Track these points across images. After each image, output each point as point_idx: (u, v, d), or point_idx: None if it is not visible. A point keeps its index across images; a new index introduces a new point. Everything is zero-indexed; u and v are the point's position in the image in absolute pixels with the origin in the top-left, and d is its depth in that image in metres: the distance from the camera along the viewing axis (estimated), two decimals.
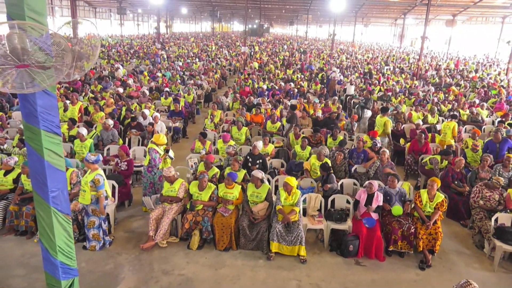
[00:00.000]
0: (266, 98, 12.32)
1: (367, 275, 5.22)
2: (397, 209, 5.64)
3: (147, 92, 12.50)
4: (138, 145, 8.65)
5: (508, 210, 5.87)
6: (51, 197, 3.45)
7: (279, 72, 20.25)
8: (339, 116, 10.52)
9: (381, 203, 5.73)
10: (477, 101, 12.74)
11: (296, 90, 14.98)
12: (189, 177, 7.01)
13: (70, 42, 3.19)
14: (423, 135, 8.44)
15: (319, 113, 10.30)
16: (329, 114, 10.24)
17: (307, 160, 7.38)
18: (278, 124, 9.42)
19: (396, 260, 5.55)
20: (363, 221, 5.62)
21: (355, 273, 5.24)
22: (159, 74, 17.14)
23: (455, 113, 10.59)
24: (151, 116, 9.28)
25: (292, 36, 67.82)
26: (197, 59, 24.75)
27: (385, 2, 32.84)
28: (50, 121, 3.30)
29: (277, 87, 14.92)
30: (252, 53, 30.41)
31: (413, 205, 5.81)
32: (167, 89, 13.13)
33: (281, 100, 12.44)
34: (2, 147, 7.20)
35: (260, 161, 7.05)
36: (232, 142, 7.70)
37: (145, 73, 17.44)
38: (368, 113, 11.18)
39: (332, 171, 6.72)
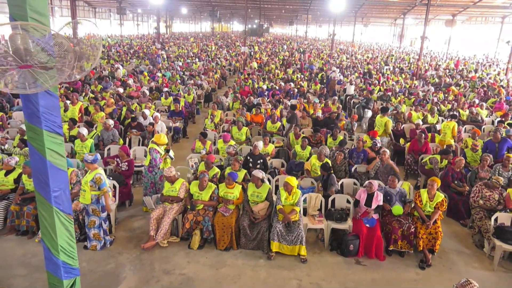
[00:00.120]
0: (266, 98, 12.34)
1: (367, 274, 5.24)
2: (397, 209, 5.66)
3: (147, 92, 12.51)
4: (139, 145, 8.66)
5: (508, 210, 5.88)
6: (53, 197, 3.47)
7: (279, 72, 20.27)
8: (339, 116, 10.54)
9: (381, 203, 5.75)
10: (477, 101, 12.77)
11: (296, 90, 15.00)
12: (189, 177, 7.03)
13: (72, 42, 3.21)
14: (423, 135, 8.46)
15: (319, 113, 10.32)
16: (329, 114, 10.26)
17: (307, 160, 7.40)
18: (278, 124, 9.44)
19: (396, 260, 5.57)
20: (363, 220, 5.64)
21: (356, 273, 5.26)
22: (159, 74, 17.15)
23: (455, 113, 10.62)
24: (152, 116, 9.30)
25: (291, 36, 67.80)
26: (197, 59, 24.77)
27: (385, 2, 32.85)
28: (52, 121, 3.32)
29: (277, 87, 14.94)
30: (252, 53, 30.42)
31: (413, 205, 5.83)
32: (166, 89, 13.13)
33: (281, 100, 12.46)
34: (3, 147, 7.22)
35: (261, 160, 7.08)
36: (232, 142, 7.72)
37: (145, 73, 17.46)
38: (369, 113, 11.20)
39: (332, 171, 6.74)
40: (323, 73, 20.48)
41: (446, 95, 14.80)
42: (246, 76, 18.02)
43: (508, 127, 9.19)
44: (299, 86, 15.83)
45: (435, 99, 12.80)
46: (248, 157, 7.14)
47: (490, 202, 6.14)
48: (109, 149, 8.00)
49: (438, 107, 12.05)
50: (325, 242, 5.85)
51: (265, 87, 14.49)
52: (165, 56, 25.53)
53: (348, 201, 6.17)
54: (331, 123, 9.75)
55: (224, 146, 7.64)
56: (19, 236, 5.77)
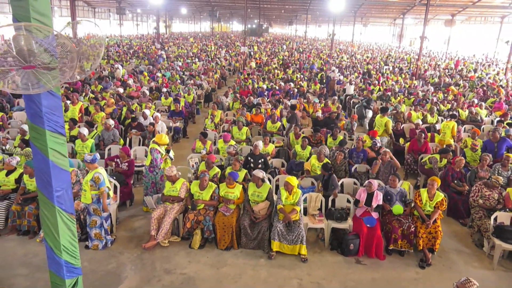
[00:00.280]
0: (266, 98, 12.36)
1: (367, 273, 5.26)
2: (397, 208, 5.69)
3: (147, 92, 12.53)
4: (139, 145, 8.68)
5: (507, 209, 5.91)
6: (55, 197, 3.49)
7: (279, 72, 20.30)
8: (339, 116, 10.56)
9: (380, 202, 5.78)
10: (476, 101, 12.80)
11: (296, 90, 15.03)
12: (190, 176, 7.05)
13: (74, 43, 3.23)
14: (422, 134, 8.49)
15: (319, 113, 10.34)
16: (329, 114, 10.28)
17: (307, 160, 7.42)
18: (278, 124, 9.46)
19: (396, 259, 5.59)
20: (363, 220, 5.66)
21: (356, 272, 5.28)
22: (159, 74, 17.17)
23: (455, 112, 10.64)
24: (152, 116, 9.32)
25: (291, 36, 67.83)
26: (196, 59, 24.78)
27: (384, 2, 32.89)
28: (55, 121, 3.34)
29: (277, 87, 14.96)
30: (251, 53, 30.45)
31: (413, 204, 5.85)
32: (164, 89, 13.12)
33: (281, 100, 12.48)
34: (4, 147, 7.23)
35: (262, 160, 7.10)
36: (232, 142, 7.74)
37: (145, 73, 17.47)
38: (370, 113, 11.23)
39: (333, 171, 6.76)
40: (323, 73, 20.51)
41: (446, 95, 14.83)
42: (246, 76, 18.05)
43: (508, 127, 9.22)
44: (298, 86, 15.86)
45: (435, 99, 12.83)
46: (249, 158, 7.16)
47: (489, 202, 6.17)
48: (109, 149, 8.02)
49: (438, 107, 12.08)
50: (326, 241, 5.88)
51: (265, 87, 14.51)
52: (165, 56, 25.54)
53: (348, 201, 6.20)
54: (331, 123, 9.77)
55: (224, 146, 7.66)
56: (20, 236, 5.78)
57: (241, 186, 6.02)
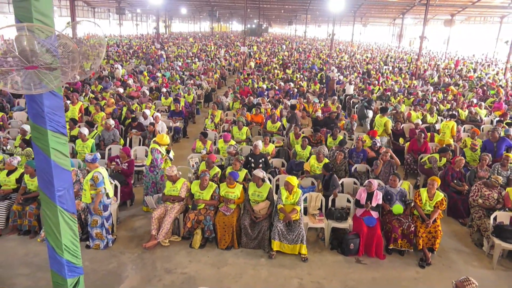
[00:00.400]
0: (266, 98, 12.38)
1: (367, 273, 5.28)
2: (397, 208, 5.71)
3: (147, 92, 12.54)
4: (139, 145, 8.69)
5: (507, 209, 5.93)
6: (57, 196, 3.50)
7: (279, 72, 20.31)
8: (339, 115, 10.58)
9: (380, 202, 5.80)
10: (475, 101, 12.82)
11: (295, 90, 15.04)
12: (190, 176, 7.06)
13: (76, 43, 3.24)
14: (422, 134, 8.51)
15: (319, 113, 10.36)
16: (329, 114, 10.30)
17: (307, 160, 7.44)
18: (278, 124, 9.48)
19: (396, 258, 5.61)
20: (363, 220, 5.68)
21: (356, 271, 5.30)
22: (159, 74, 17.18)
23: (454, 112, 10.66)
24: (152, 116, 9.33)
25: (291, 36, 67.85)
26: (196, 59, 24.78)
27: (384, 2, 32.90)
28: (57, 121, 3.36)
29: (276, 87, 14.98)
30: (251, 53, 30.46)
31: (413, 204, 5.87)
32: (164, 89, 13.13)
33: (281, 100, 12.49)
34: (4, 148, 7.24)
35: (263, 159, 7.12)
36: (233, 142, 7.75)
37: (145, 73, 17.48)
38: (371, 113, 11.24)
39: (334, 171, 6.78)
40: (323, 73, 20.52)
41: (445, 94, 14.86)
42: (246, 76, 18.06)
43: (507, 127, 9.25)
44: (298, 86, 15.87)
45: (434, 99, 12.84)
46: (250, 158, 7.17)
47: (489, 201, 6.19)
48: (110, 149, 8.03)
49: (437, 107, 12.10)
50: (326, 241, 5.89)
51: (264, 87, 14.52)
52: (164, 56, 25.55)
53: (348, 201, 6.22)
54: (331, 123, 9.79)
55: (224, 146, 7.67)
56: (21, 235, 5.79)
57: (242, 186, 6.04)
